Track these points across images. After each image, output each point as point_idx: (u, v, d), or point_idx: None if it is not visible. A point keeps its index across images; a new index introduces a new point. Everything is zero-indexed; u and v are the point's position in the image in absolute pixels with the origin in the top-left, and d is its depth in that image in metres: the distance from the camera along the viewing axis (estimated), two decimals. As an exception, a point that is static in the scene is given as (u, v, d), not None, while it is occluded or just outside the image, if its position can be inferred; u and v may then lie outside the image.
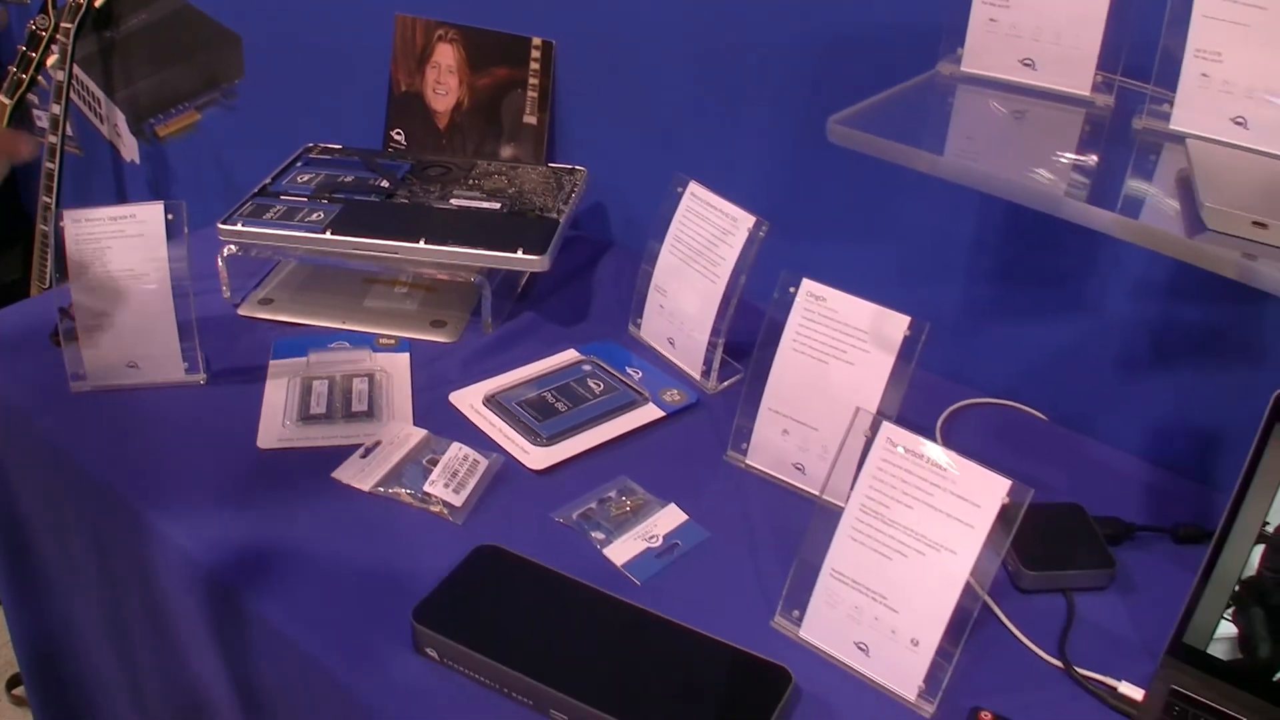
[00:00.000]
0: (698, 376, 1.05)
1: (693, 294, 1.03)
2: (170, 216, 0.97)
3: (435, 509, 0.88)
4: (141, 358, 0.99)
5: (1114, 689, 0.80)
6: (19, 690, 1.59)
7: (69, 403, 0.98)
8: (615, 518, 0.88)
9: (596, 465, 0.95)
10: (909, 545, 0.75)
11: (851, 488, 0.78)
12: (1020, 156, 0.84)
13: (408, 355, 1.06)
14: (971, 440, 1.01)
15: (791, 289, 0.91)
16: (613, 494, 0.91)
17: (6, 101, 1.56)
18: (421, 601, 0.78)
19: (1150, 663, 0.81)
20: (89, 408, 0.98)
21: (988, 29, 0.86)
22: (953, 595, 0.74)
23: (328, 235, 1.05)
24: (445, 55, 1.30)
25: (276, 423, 0.96)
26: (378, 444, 0.93)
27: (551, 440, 0.95)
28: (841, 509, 0.79)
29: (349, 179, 1.16)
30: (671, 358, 1.08)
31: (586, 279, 1.25)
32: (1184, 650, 0.81)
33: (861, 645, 0.78)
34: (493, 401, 0.99)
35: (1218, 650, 0.79)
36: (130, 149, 1.63)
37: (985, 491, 0.73)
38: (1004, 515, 0.73)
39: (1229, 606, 0.79)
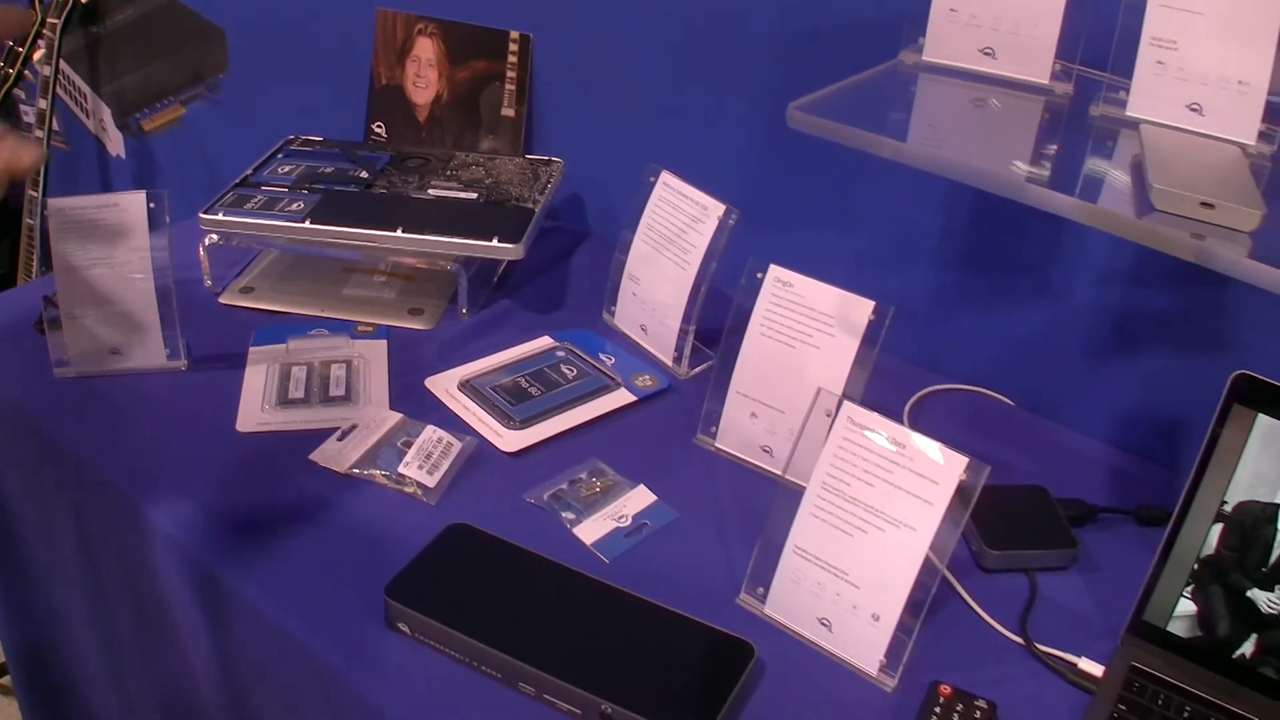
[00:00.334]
0: (670, 362, 1.07)
1: (665, 281, 1.05)
2: (152, 205, 0.99)
3: (409, 490, 0.89)
4: (124, 344, 1.01)
5: (1074, 665, 0.81)
6: (5, 680, 1.60)
7: (54, 388, 1.00)
8: (585, 498, 0.90)
9: (568, 448, 0.97)
10: (869, 522, 0.77)
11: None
12: (982, 143, 0.86)
13: (385, 342, 1.07)
14: (939, 425, 1.03)
15: (759, 275, 0.93)
16: (583, 475, 0.92)
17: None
18: (394, 578, 0.80)
19: (1111, 640, 0.82)
20: (73, 393, 0.99)
21: (949, 18, 0.88)
22: (912, 571, 0.75)
23: (307, 224, 1.07)
24: (425, 49, 1.32)
25: (256, 407, 0.98)
26: (354, 427, 0.95)
27: (524, 424, 0.97)
28: (805, 488, 0.81)
29: (329, 170, 1.18)
30: (644, 344, 1.10)
31: (563, 268, 1.27)
32: (1144, 628, 0.82)
33: (824, 621, 0.80)
34: (468, 386, 1.01)
35: (1177, 628, 0.81)
36: (116, 143, 1.64)
37: (943, 468, 0.75)
38: (962, 492, 0.75)
39: (1188, 585, 0.81)
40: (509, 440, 0.95)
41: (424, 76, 1.32)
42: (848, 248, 1.13)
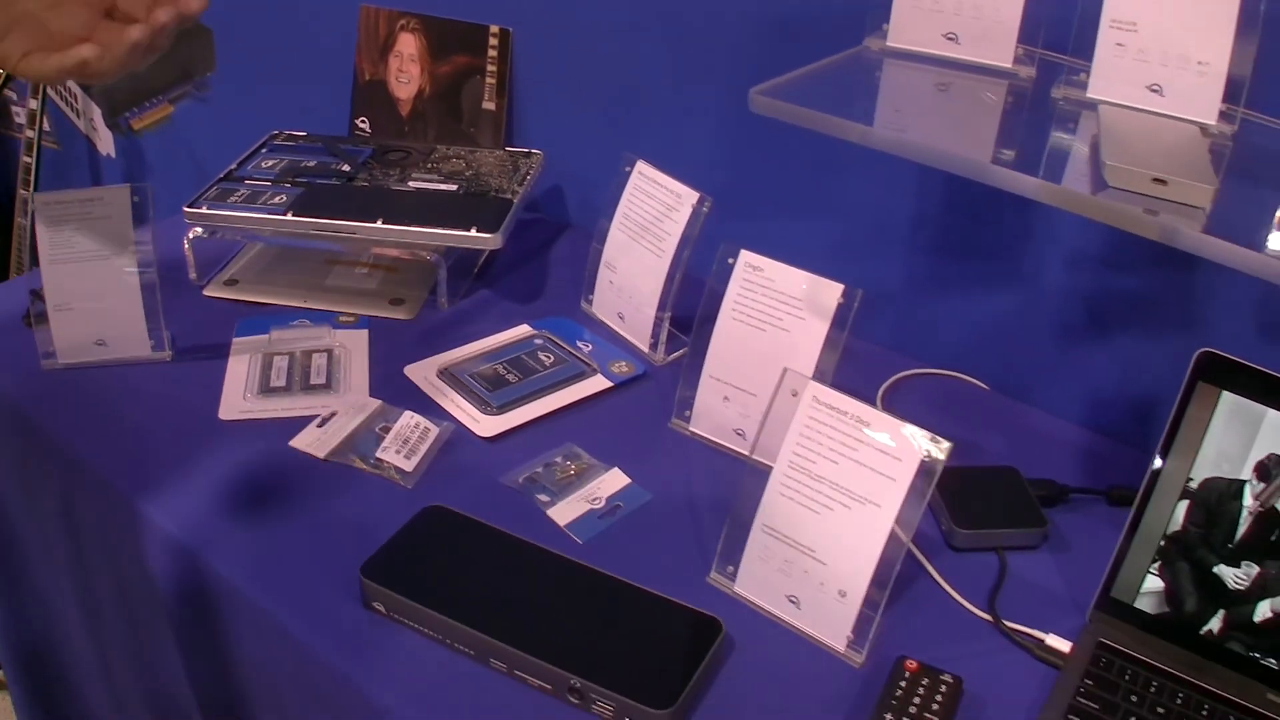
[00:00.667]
0: (646, 349, 1.08)
1: (640, 269, 1.06)
2: (137, 199, 1.01)
3: (387, 474, 0.91)
4: (109, 335, 1.02)
5: (1041, 641, 0.82)
6: None
7: (41, 380, 1.01)
8: (560, 481, 0.92)
9: (545, 433, 0.98)
10: (835, 499, 0.78)
11: (783, 446, 0.81)
12: (947, 127, 0.87)
13: (366, 332, 1.09)
14: (912, 409, 1.04)
15: (730, 260, 0.94)
16: (558, 459, 0.94)
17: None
18: (369, 558, 0.81)
19: (1080, 618, 0.83)
20: (60, 384, 1.01)
21: (912, 4, 0.89)
22: (877, 547, 0.77)
23: (289, 217, 1.08)
24: (407, 44, 1.34)
25: (238, 395, 0.99)
26: (334, 414, 0.96)
27: (501, 409, 0.98)
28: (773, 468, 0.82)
29: (311, 164, 1.20)
30: (621, 331, 1.11)
31: (542, 259, 1.29)
32: (1112, 604, 0.83)
33: (793, 598, 0.81)
34: (446, 374, 1.02)
35: (1145, 604, 0.82)
36: (106, 142, 1.66)
37: (905, 445, 0.76)
38: (926, 470, 0.76)
39: (1155, 561, 0.82)
40: (486, 425, 0.97)
41: (406, 71, 1.34)
42: (823, 235, 1.14)
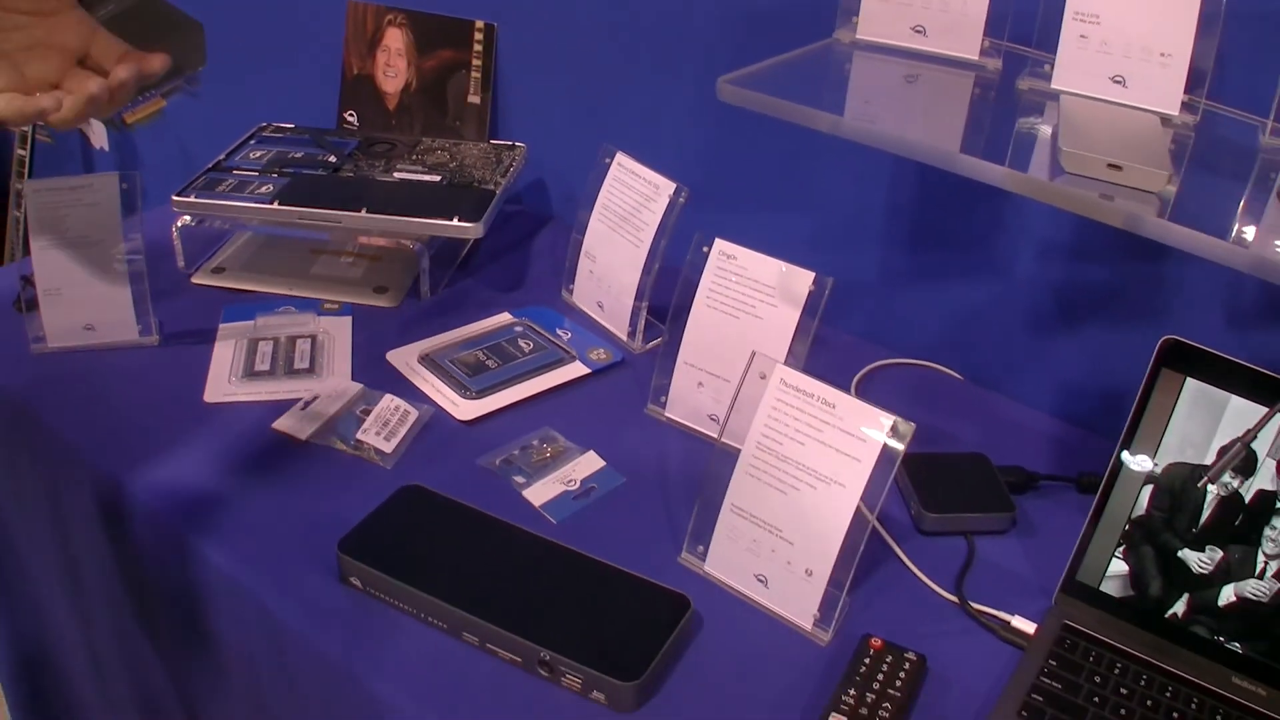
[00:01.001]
0: (624, 337, 1.10)
1: (619, 259, 1.08)
2: (125, 186, 1.03)
3: (367, 455, 0.93)
4: (97, 320, 1.04)
5: (1007, 623, 0.84)
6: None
7: (30, 363, 1.03)
8: (535, 463, 0.93)
9: (522, 417, 1.00)
10: (801, 480, 0.80)
11: (753, 428, 0.82)
12: (916, 117, 0.89)
13: (350, 319, 1.11)
14: (886, 398, 1.06)
15: (705, 248, 0.96)
16: (535, 442, 0.96)
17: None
18: (346, 535, 0.83)
19: (1046, 601, 0.85)
20: (49, 367, 1.03)
21: (882, -3, 0.91)
22: (842, 526, 0.78)
23: (275, 206, 1.10)
24: (394, 39, 1.36)
25: (223, 379, 1.01)
26: (316, 397, 0.98)
27: (480, 394, 1.00)
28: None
29: (298, 155, 1.22)
30: (600, 320, 1.13)
31: (525, 250, 1.31)
32: (1077, 587, 0.84)
33: (761, 577, 0.83)
34: (427, 359, 1.04)
35: (1110, 588, 0.83)
36: (99, 136, 1.68)
37: (870, 427, 0.78)
38: (890, 451, 0.78)
39: (1120, 545, 0.83)
40: (465, 409, 0.98)
41: (393, 66, 1.36)
42: (800, 227, 1.16)
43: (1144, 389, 0.81)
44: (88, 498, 0.96)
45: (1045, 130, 0.83)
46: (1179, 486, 0.81)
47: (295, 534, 0.86)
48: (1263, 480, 0.78)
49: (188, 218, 1.14)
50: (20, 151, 1.61)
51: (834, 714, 0.73)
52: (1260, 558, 0.79)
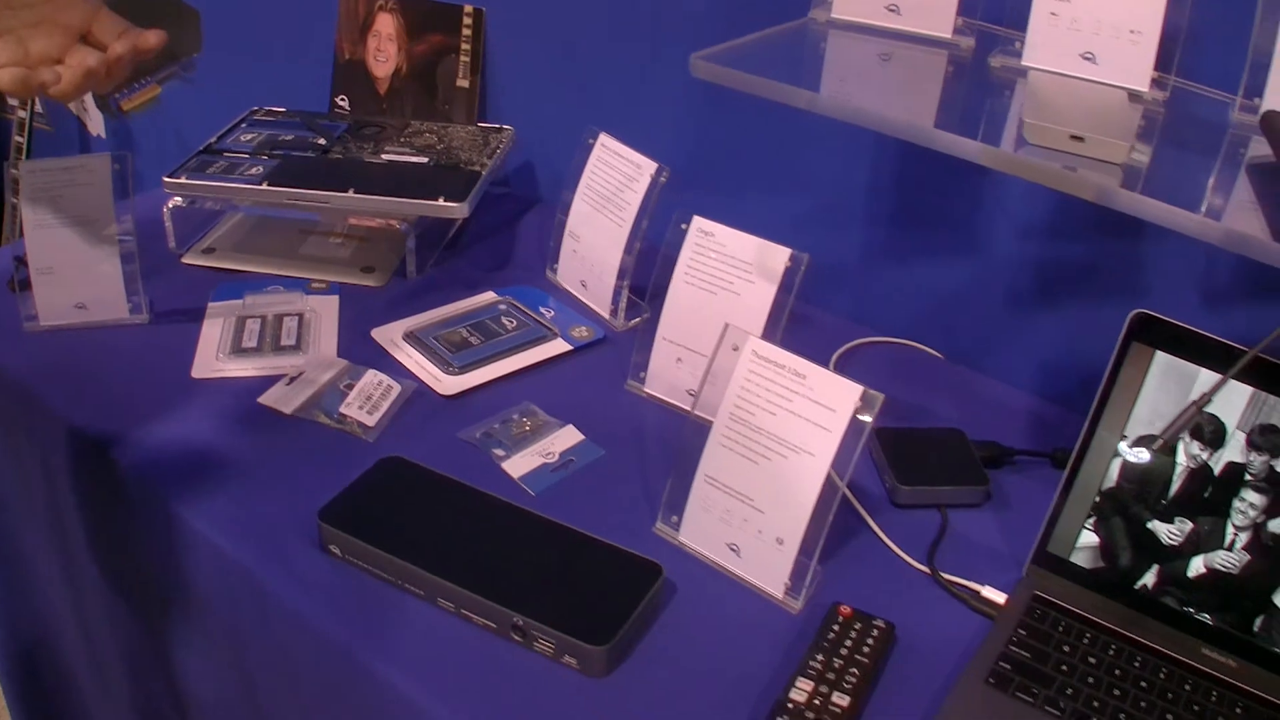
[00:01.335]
0: (607, 315, 1.12)
1: (602, 238, 1.09)
2: (117, 167, 1.04)
3: (350, 429, 0.94)
4: (89, 299, 1.06)
5: (977, 593, 0.85)
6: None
7: (24, 341, 1.05)
8: (515, 436, 0.95)
9: (504, 393, 1.01)
10: (772, 449, 0.81)
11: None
12: (891, 94, 0.90)
13: (337, 298, 1.12)
14: (865, 374, 1.06)
15: (684, 226, 0.97)
16: (515, 416, 0.97)
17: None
18: (327, 504, 0.85)
19: (1018, 573, 0.86)
20: (42, 345, 1.05)
21: (856, -24, 0.92)
22: (812, 495, 0.79)
23: (264, 187, 1.12)
24: (385, 24, 1.37)
25: (211, 355, 1.03)
26: (301, 373, 1.00)
27: (463, 370, 1.02)
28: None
29: (289, 138, 1.24)
30: (583, 299, 1.15)
31: (511, 231, 1.32)
32: (1048, 558, 0.85)
33: (733, 546, 0.84)
34: (411, 336, 1.06)
35: (1080, 559, 0.84)
36: (96, 123, 1.70)
37: (839, 397, 0.79)
38: (859, 420, 0.79)
39: (1090, 517, 0.84)
40: (447, 385, 1.00)
41: (384, 51, 1.38)
42: (784, 208, 1.16)
43: (1114, 362, 0.82)
44: (77, 470, 0.98)
45: (1016, 108, 0.84)
46: (1149, 458, 0.82)
47: (278, 504, 0.87)
48: (1232, 452, 0.79)
49: (179, 199, 1.16)
50: (18, 139, 1.63)
51: (801, 678, 0.75)
52: (1229, 529, 0.79)
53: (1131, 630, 0.81)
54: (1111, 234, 1.00)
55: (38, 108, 1.69)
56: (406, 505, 0.85)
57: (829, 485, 0.79)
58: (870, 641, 0.78)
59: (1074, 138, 0.71)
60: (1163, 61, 0.84)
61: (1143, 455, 0.81)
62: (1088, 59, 0.85)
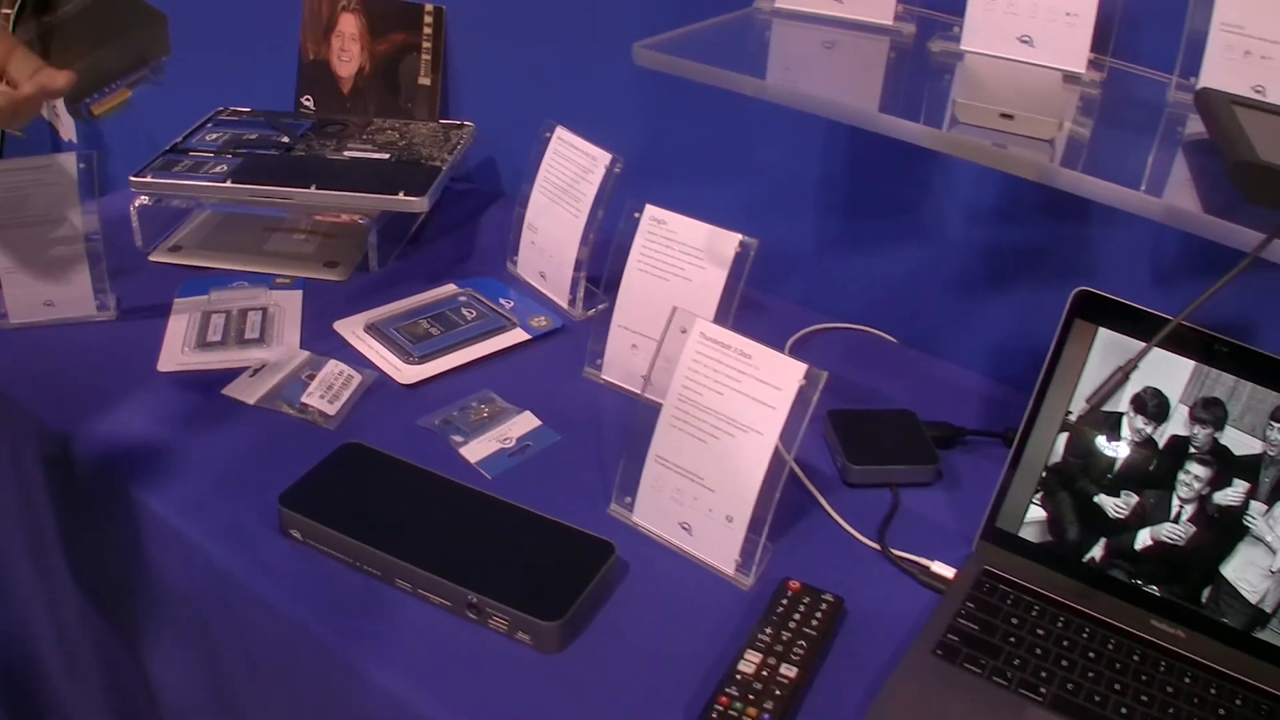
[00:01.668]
0: (566, 305, 1.14)
1: (560, 229, 1.11)
2: (83, 166, 1.06)
3: (312, 418, 0.96)
4: (56, 297, 1.07)
5: (927, 568, 0.86)
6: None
7: (-8, 340, 1.07)
8: (473, 422, 0.96)
9: (463, 381, 1.03)
10: (720, 428, 0.83)
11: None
12: (836, 81, 0.92)
13: (301, 292, 1.14)
14: (820, 360, 1.07)
15: (636, 215, 0.99)
16: (473, 403, 0.99)
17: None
18: (287, 489, 0.86)
19: (968, 549, 0.87)
20: (10, 343, 1.06)
21: (798, -34, 0.94)
22: (759, 472, 0.81)
23: (228, 184, 1.14)
24: (348, 24, 1.40)
25: (176, 349, 1.05)
26: (264, 365, 1.02)
27: (423, 359, 1.04)
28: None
29: (253, 136, 1.25)
30: (543, 289, 1.16)
31: (473, 225, 1.34)
32: (997, 534, 0.87)
33: (685, 525, 0.85)
34: (373, 328, 1.08)
35: (1029, 533, 0.86)
36: (68, 128, 1.72)
37: (784, 375, 0.81)
38: (803, 397, 0.80)
39: (1037, 492, 0.86)
40: (407, 374, 1.02)
41: (347, 50, 1.40)
42: (738, 197, 1.18)
43: (1057, 340, 0.84)
44: (46, 463, 0.99)
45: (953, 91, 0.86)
46: (1093, 433, 0.84)
47: (240, 490, 0.89)
48: (1175, 426, 0.81)
49: (145, 198, 1.17)
50: (-11, 142, 1.66)
51: (749, 651, 0.76)
52: (1175, 502, 0.81)
53: (1080, 603, 0.83)
54: (1059, 217, 1.02)
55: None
56: (365, 489, 0.87)
57: (776, 462, 0.80)
58: (819, 615, 0.80)
59: (1004, 116, 0.73)
60: (1099, 44, 0.87)
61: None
62: (1025, 42, 0.87)
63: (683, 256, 0.96)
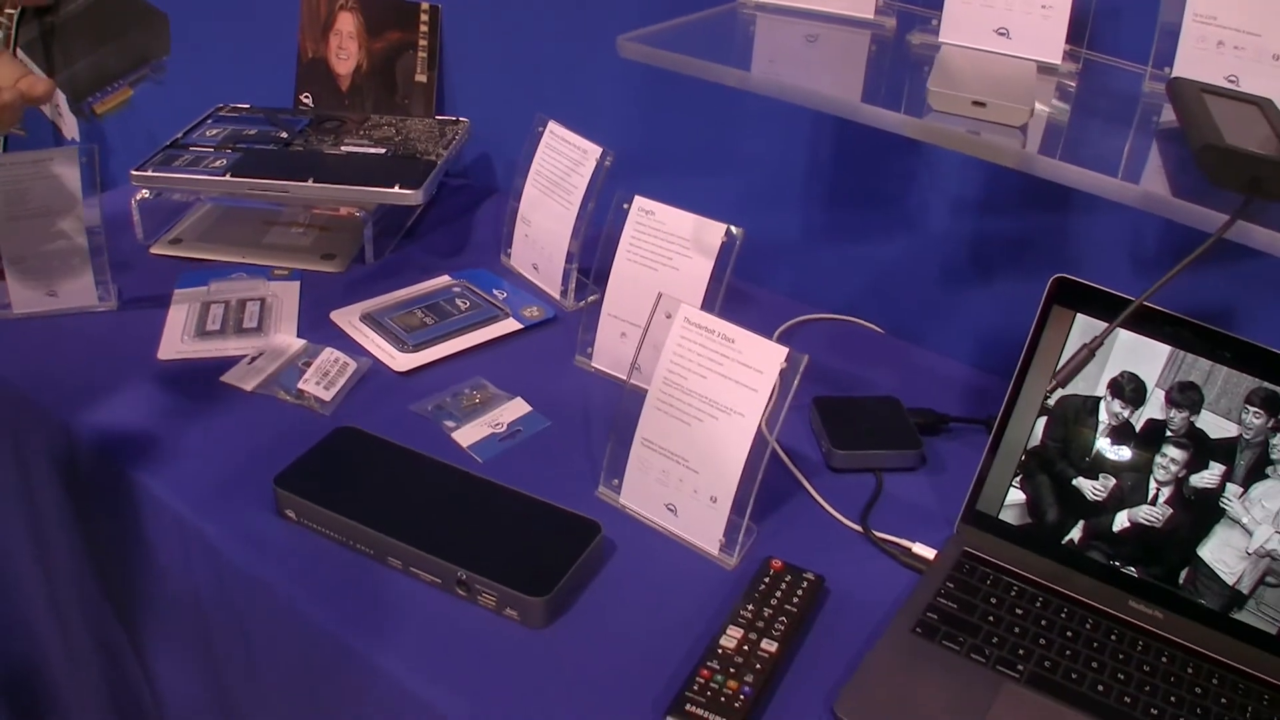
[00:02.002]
0: (558, 296, 1.16)
1: (551, 221, 1.13)
2: (84, 159, 1.08)
3: (308, 403, 0.98)
4: (59, 287, 1.10)
5: (908, 549, 0.88)
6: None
7: (-4, 329, 1.09)
8: (465, 408, 0.99)
9: (456, 368, 1.05)
10: (704, 411, 0.84)
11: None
12: (819, 73, 0.94)
13: (298, 283, 1.17)
14: (806, 349, 1.09)
15: (625, 206, 1.01)
16: (466, 390, 1.01)
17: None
18: (283, 470, 0.88)
19: (950, 532, 0.89)
20: (13, 332, 1.08)
21: (782, -38, 0.96)
22: (741, 453, 0.83)
23: (227, 178, 1.16)
24: (346, 23, 1.42)
25: (176, 338, 1.07)
26: (262, 353, 1.04)
27: (417, 347, 1.06)
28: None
29: (252, 132, 1.28)
30: (536, 281, 1.19)
31: (468, 219, 1.36)
32: (977, 516, 0.89)
33: (670, 506, 0.87)
34: (368, 317, 1.10)
35: (1009, 516, 0.88)
36: (71, 127, 1.74)
37: (765, 359, 0.83)
38: (785, 380, 0.82)
39: (1017, 475, 0.87)
40: (401, 361, 1.04)
41: (345, 48, 1.42)
42: (727, 191, 1.21)
43: (1036, 325, 0.85)
44: (47, 449, 1.01)
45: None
46: (1072, 417, 0.86)
47: (237, 473, 0.91)
48: (1152, 410, 0.82)
49: (146, 192, 1.20)
50: (-8, 143, 1.69)
51: (731, 626, 0.78)
52: (1152, 484, 0.83)
53: (1059, 584, 0.84)
54: (1041, 208, 1.04)
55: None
56: (358, 471, 0.89)
57: (759, 444, 0.82)
58: (800, 593, 0.81)
59: (976, 103, 0.75)
60: (1075, 36, 0.89)
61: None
62: (1001, 34, 0.89)
63: (670, 246, 0.99)
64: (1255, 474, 0.79)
